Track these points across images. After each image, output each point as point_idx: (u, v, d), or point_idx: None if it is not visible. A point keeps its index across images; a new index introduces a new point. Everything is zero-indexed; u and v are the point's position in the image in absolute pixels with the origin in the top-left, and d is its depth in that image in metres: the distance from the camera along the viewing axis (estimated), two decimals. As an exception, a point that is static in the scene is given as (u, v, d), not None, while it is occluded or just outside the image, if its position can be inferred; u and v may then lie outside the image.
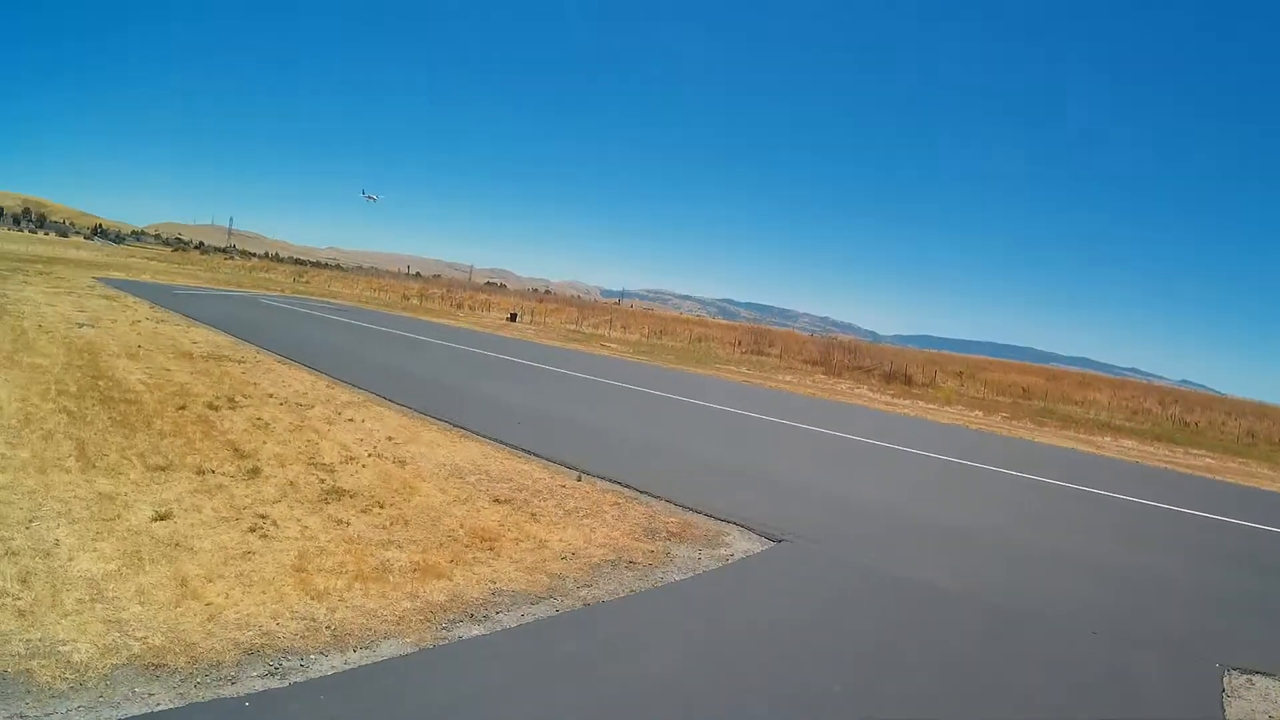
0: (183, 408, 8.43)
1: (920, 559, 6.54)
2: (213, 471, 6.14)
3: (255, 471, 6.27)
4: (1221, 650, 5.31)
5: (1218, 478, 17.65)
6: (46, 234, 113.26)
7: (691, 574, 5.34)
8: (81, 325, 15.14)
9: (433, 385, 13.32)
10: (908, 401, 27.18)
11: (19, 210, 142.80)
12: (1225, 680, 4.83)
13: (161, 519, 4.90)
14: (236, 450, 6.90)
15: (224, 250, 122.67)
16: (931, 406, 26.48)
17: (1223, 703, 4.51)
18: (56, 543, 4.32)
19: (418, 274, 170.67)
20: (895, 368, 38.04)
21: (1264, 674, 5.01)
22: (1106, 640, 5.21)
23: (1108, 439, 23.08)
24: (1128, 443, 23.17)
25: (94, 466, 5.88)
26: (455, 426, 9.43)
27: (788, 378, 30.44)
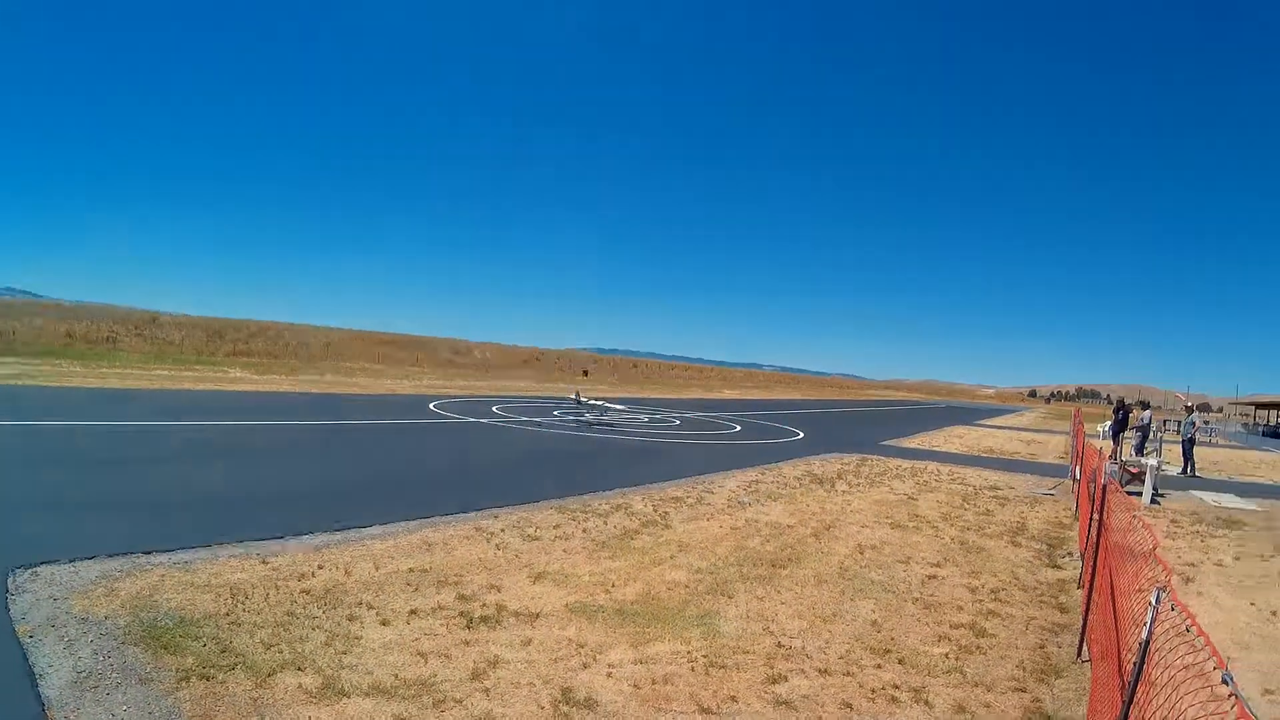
0: None
1: None
2: None
3: None
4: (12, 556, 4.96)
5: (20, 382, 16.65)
6: None
7: None
8: None
9: None
10: None
11: None
12: (10, 581, 4.51)
13: None
14: None
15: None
16: None
17: (6, 603, 4.18)
18: None
19: None
20: None
21: (49, 562, 4.81)
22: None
23: None
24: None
25: None
26: None
27: None
